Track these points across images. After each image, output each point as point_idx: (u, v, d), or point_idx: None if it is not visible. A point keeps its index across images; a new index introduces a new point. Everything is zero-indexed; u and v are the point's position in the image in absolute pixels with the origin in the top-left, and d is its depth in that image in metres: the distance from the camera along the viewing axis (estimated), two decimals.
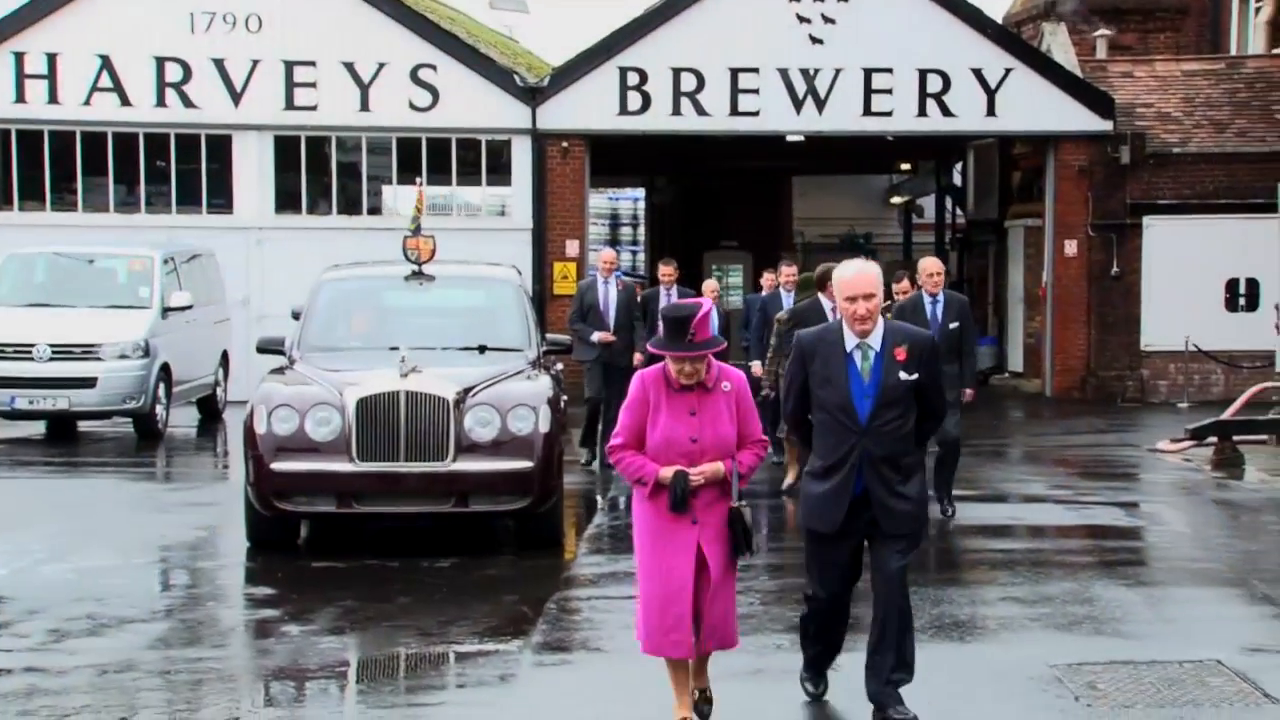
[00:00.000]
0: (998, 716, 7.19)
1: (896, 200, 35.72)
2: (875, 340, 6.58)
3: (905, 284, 13.59)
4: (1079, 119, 23.07)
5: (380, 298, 12.81)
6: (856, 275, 6.60)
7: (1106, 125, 23.07)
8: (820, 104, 22.79)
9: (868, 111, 22.95)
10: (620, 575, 10.48)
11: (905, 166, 32.77)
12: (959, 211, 30.75)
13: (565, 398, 12.33)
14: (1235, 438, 16.07)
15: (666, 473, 6.43)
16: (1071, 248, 23.15)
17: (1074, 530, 12.25)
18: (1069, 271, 23.31)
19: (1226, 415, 17.27)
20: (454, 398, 10.64)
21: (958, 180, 29.99)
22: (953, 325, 11.76)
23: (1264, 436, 16.94)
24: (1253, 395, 17.94)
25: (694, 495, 6.39)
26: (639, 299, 16.04)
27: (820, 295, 12.10)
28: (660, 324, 6.48)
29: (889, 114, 22.98)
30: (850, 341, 6.60)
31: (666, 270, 16.07)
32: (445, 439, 10.57)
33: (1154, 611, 9.24)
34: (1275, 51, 25.73)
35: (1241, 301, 22.27)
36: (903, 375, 6.55)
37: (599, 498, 13.91)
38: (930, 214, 33.23)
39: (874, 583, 6.71)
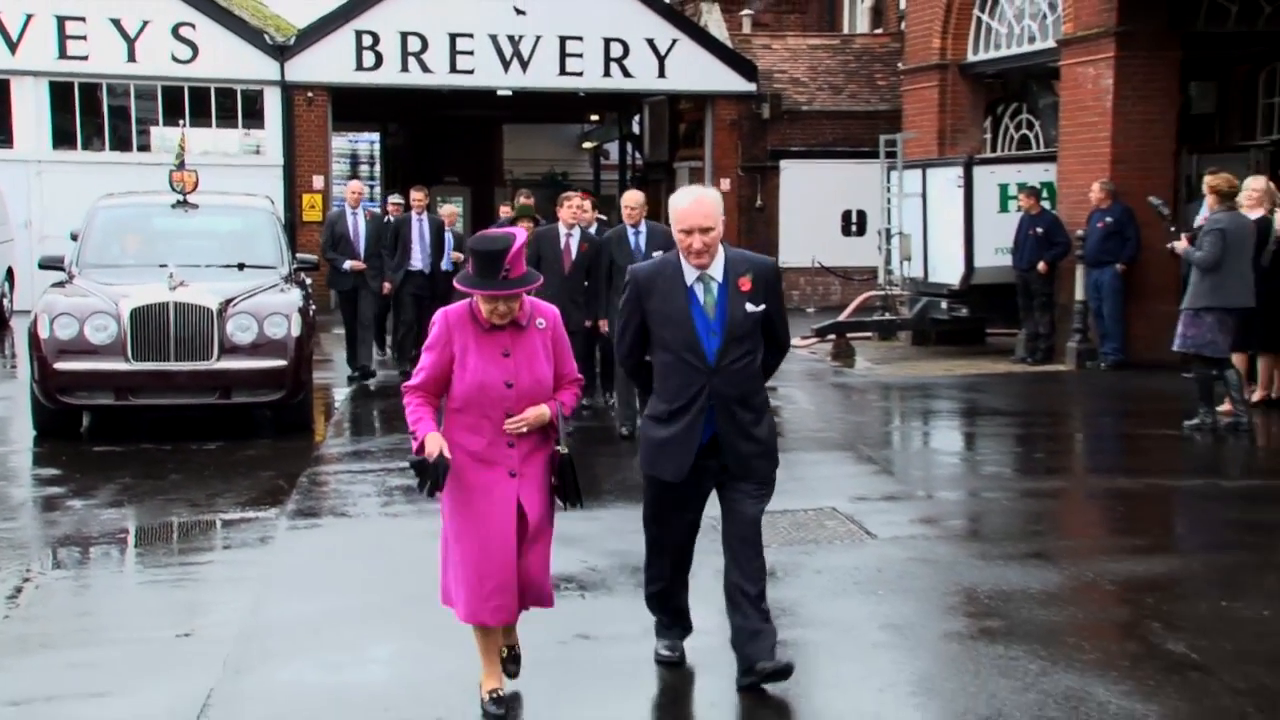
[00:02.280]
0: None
1: (587, 145, 35.90)
2: (717, 271, 5.05)
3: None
4: (731, 81, 23.49)
5: (150, 222, 12.28)
6: (692, 206, 5.02)
7: (751, 87, 23.58)
8: (524, 65, 22.68)
9: (563, 72, 22.92)
10: (361, 454, 10.37)
11: (594, 117, 32.87)
12: (638, 155, 31.02)
13: (314, 307, 12.09)
14: (848, 335, 16.73)
15: (432, 445, 4.75)
16: (726, 184, 23.60)
17: None
18: (724, 203, 23.58)
19: (842, 317, 17.93)
20: (217, 307, 10.45)
21: (636, 129, 30.22)
22: (656, 253, 10.74)
23: (869, 334, 17.72)
24: (861, 302, 18.72)
25: (512, 445, 4.83)
26: (387, 227, 14.36)
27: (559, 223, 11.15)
28: (469, 258, 4.81)
29: (580, 74, 23.02)
30: (690, 274, 5.04)
31: (418, 196, 14.30)
32: (210, 342, 10.36)
33: (786, 472, 9.46)
34: (877, 31, 26.77)
35: (854, 228, 23.13)
36: (749, 307, 5.04)
37: (342, 391, 13.64)
38: (615, 156, 33.60)
39: (727, 535, 5.16)
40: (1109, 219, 14.36)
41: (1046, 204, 15.52)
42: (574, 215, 11.14)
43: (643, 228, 10.61)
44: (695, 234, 4.99)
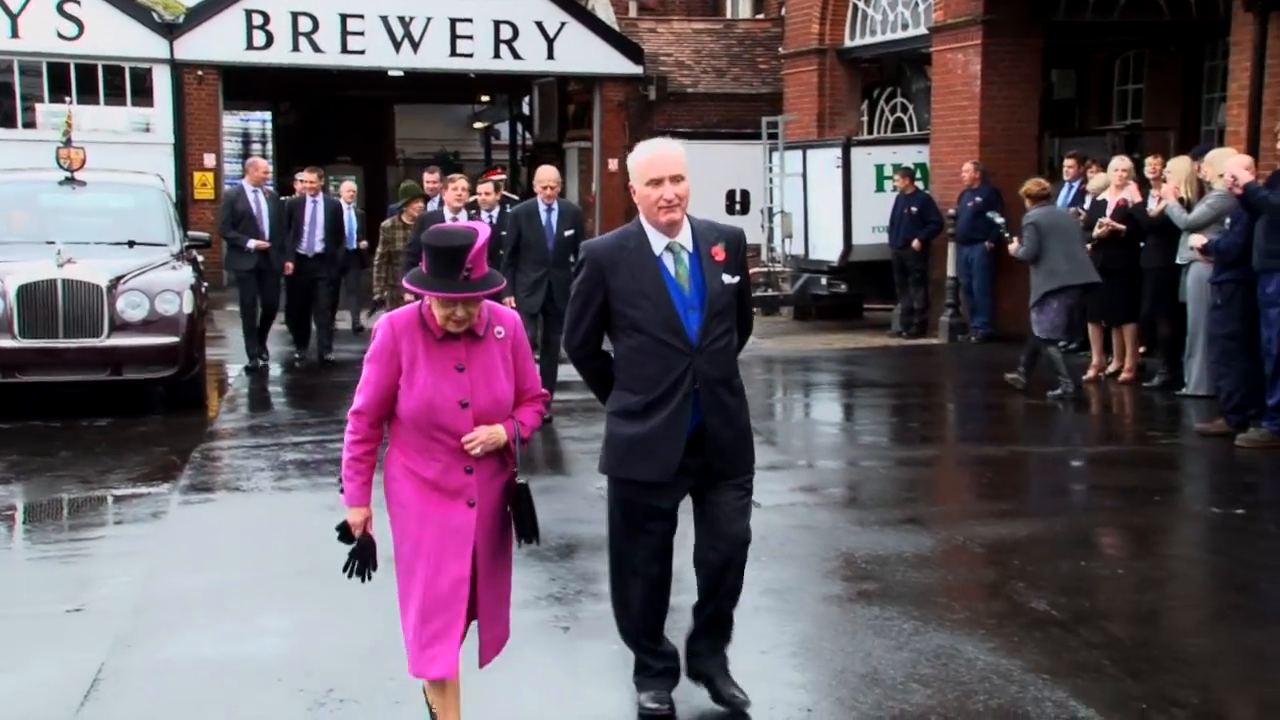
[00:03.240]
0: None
1: (479, 125, 35.52)
2: (686, 239, 4.32)
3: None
4: (618, 64, 23.43)
5: (37, 199, 11.86)
6: (658, 154, 4.28)
7: (638, 70, 23.53)
8: (415, 46, 22.36)
9: (454, 53, 22.66)
10: (256, 429, 10.17)
11: (485, 98, 32.54)
12: (528, 135, 30.81)
13: (206, 284, 11.84)
14: None
15: (354, 518, 4.09)
16: (614, 165, 23.57)
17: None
18: (612, 183, 23.74)
19: None
20: (107, 284, 10.16)
21: (526, 110, 30.01)
22: (568, 233, 9.88)
23: (753, 309, 17.80)
24: None
25: (470, 471, 4.03)
26: (285, 206, 13.48)
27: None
28: (424, 255, 3.96)
29: (470, 55, 22.78)
30: (658, 243, 4.29)
31: (310, 178, 13.66)
32: (100, 319, 10.08)
33: None
34: (759, 16, 26.88)
35: (738, 207, 23.19)
36: (726, 279, 4.31)
37: (235, 368, 13.36)
38: (506, 137, 33.32)
39: (705, 546, 4.42)
40: (978, 199, 14.63)
41: (920, 184, 15.77)
42: (460, 198, 10.55)
43: (555, 205, 10.12)
44: (666, 183, 4.21)
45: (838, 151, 16.40)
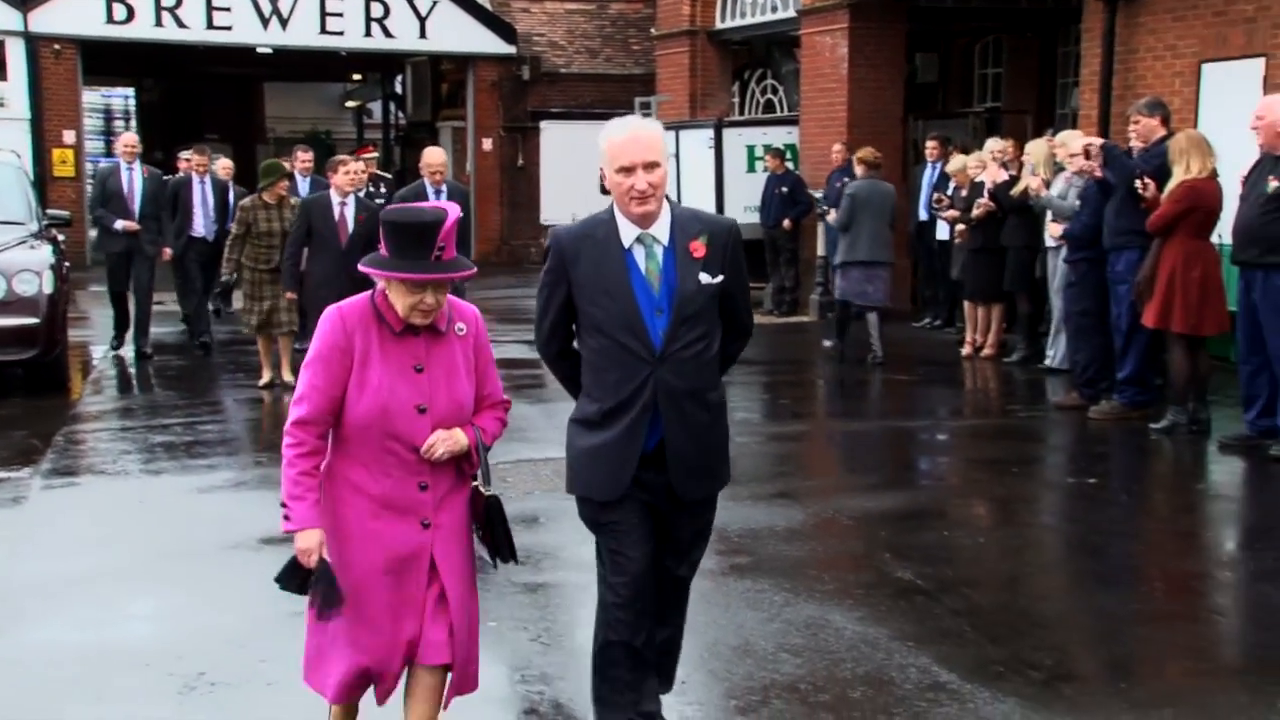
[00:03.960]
0: None
1: (351, 104, 34.95)
2: (662, 231, 3.74)
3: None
4: (491, 44, 23.22)
5: None
6: (629, 137, 3.69)
7: (511, 50, 23.36)
8: (284, 23, 21.86)
9: (324, 31, 22.20)
10: (121, 411, 9.89)
11: (357, 76, 32.05)
12: (401, 114, 30.40)
13: (68, 264, 11.42)
14: None
15: (306, 544, 3.46)
16: (488, 144, 23.41)
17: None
18: (486, 163, 23.58)
19: None
20: None
21: (399, 89, 29.61)
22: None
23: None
24: None
25: (424, 488, 3.53)
26: (167, 187, 12.70)
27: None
28: (385, 235, 3.47)
29: (341, 34, 22.35)
30: (628, 234, 3.72)
31: (199, 158, 12.86)
32: None
33: (549, 421, 9.59)
34: None
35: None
36: (704, 278, 3.74)
37: (100, 349, 12.95)
38: (378, 116, 32.81)
39: (665, 547, 3.95)
40: (847, 179, 14.79)
41: (790, 164, 15.94)
42: (352, 182, 9.69)
43: (444, 187, 9.74)
44: (638, 171, 3.64)
45: (710, 132, 16.51)
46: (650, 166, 3.66)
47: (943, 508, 7.23)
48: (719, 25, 18.61)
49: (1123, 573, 6.14)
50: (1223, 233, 8.48)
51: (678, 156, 17.09)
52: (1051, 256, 10.76)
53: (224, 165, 13.94)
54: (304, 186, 12.38)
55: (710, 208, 16.31)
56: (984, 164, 11.97)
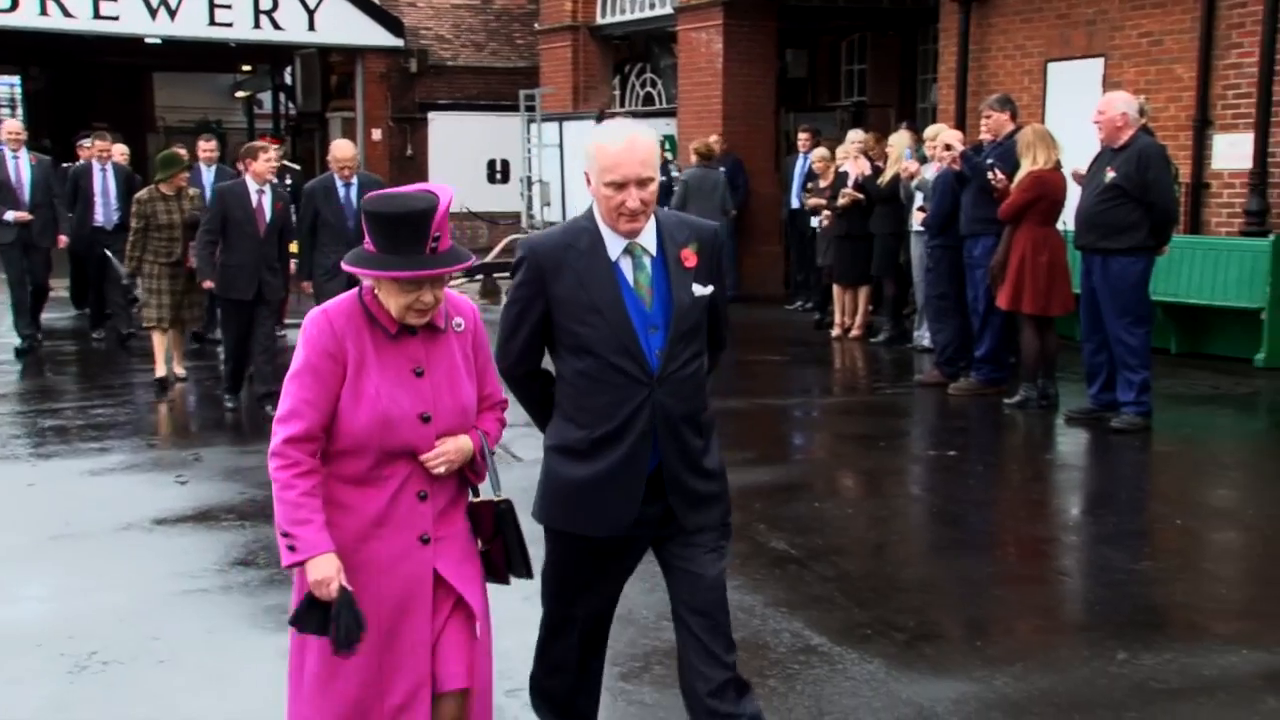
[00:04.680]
0: None
1: (241, 94, 34.09)
2: (649, 240, 3.28)
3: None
4: (379, 36, 22.82)
5: None
6: (625, 148, 3.19)
7: (399, 42, 23.00)
8: (172, 13, 21.17)
9: (213, 22, 21.56)
10: (12, 396, 9.52)
11: (247, 67, 31.27)
12: (291, 105, 29.77)
13: None
14: (495, 274, 16.79)
15: (323, 574, 2.89)
16: (377, 135, 23.02)
17: None
18: (376, 153, 23.18)
19: (489, 259, 17.96)
20: None
21: (289, 80, 28.97)
22: None
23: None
24: (505, 244, 18.74)
25: (424, 497, 3.03)
26: (66, 175, 12.05)
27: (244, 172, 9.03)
28: (370, 228, 2.96)
29: (230, 25, 21.70)
30: (615, 244, 3.26)
31: (103, 145, 11.99)
32: None
33: None
34: None
35: (499, 176, 23.09)
36: (697, 289, 3.29)
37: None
38: (268, 106, 32.12)
39: (681, 601, 3.34)
40: (722, 169, 14.90)
41: (669, 155, 15.97)
42: (271, 170, 9.07)
43: (354, 180, 9.10)
44: (631, 188, 3.17)
45: (592, 123, 16.46)
46: (644, 183, 3.19)
47: (813, 481, 7.33)
48: (600, 21, 18.56)
49: (979, 539, 6.29)
50: (1067, 220, 8.72)
51: (561, 147, 17.07)
52: (915, 242, 10.96)
53: (120, 151, 13.17)
54: (208, 176, 11.65)
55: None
56: (850, 155, 12.12)
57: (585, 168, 3.29)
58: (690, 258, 3.28)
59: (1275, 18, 10.17)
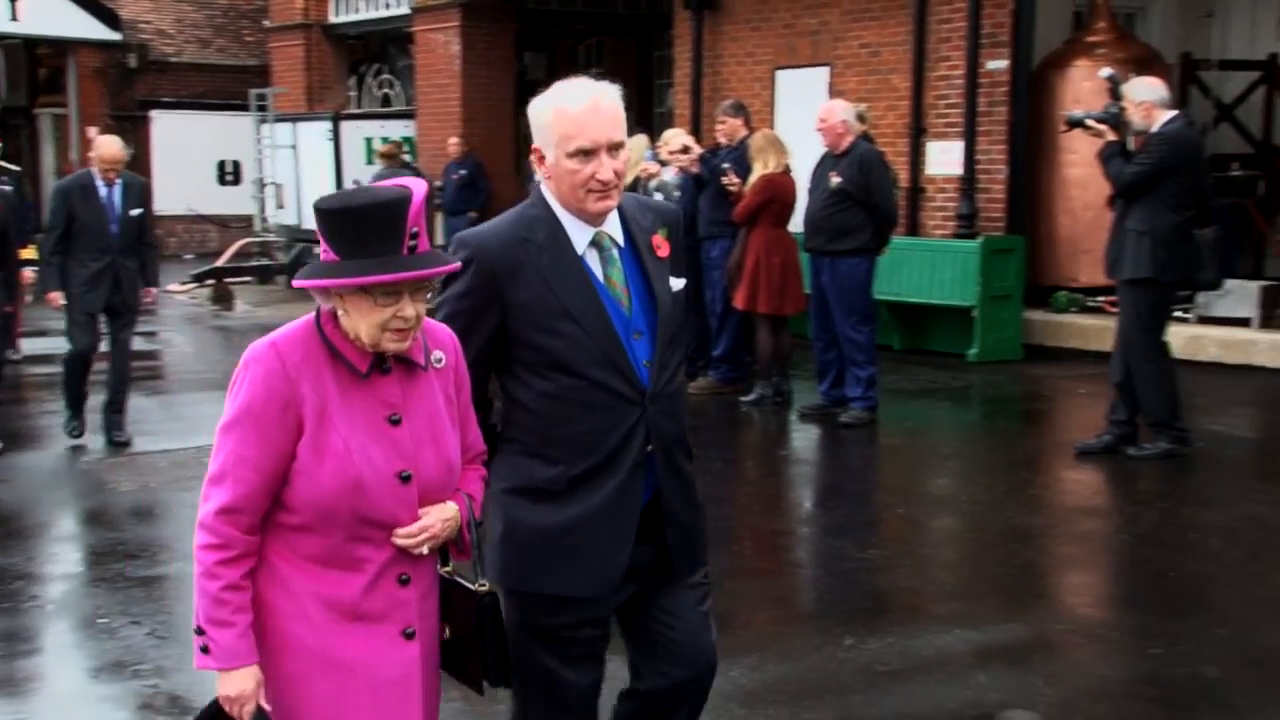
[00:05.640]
0: None
1: None
2: (614, 227, 2.74)
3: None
4: (92, 29, 21.61)
5: None
6: (592, 106, 2.65)
7: (115, 35, 21.85)
8: None
9: None
10: None
11: None
12: None
13: None
14: (226, 279, 16.23)
15: (239, 688, 2.34)
16: (92, 132, 21.77)
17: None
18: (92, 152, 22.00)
19: (219, 263, 17.35)
20: None
21: None
22: (134, 212, 7.97)
23: (248, 278, 17.26)
24: (238, 247, 18.14)
25: (406, 582, 2.43)
26: None
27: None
28: (333, 226, 2.39)
29: None
30: (580, 235, 2.70)
31: None
32: None
33: (166, 412, 9.14)
34: None
35: (229, 178, 22.27)
36: (675, 284, 2.79)
37: None
38: None
39: (654, 673, 2.85)
40: (463, 171, 14.90)
41: (409, 157, 15.81)
42: None
43: (118, 182, 7.99)
44: (601, 154, 2.62)
45: (328, 125, 16.15)
46: (615, 148, 2.64)
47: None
48: (332, 19, 18.19)
49: (718, 534, 6.44)
50: (799, 222, 9.11)
51: (296, 148, 16.65)
52: None
53: None
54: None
55: None
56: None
57: (537, 140, 2.70)
58: (662, 245, 2.78)
59: (977, 34, 10.92)
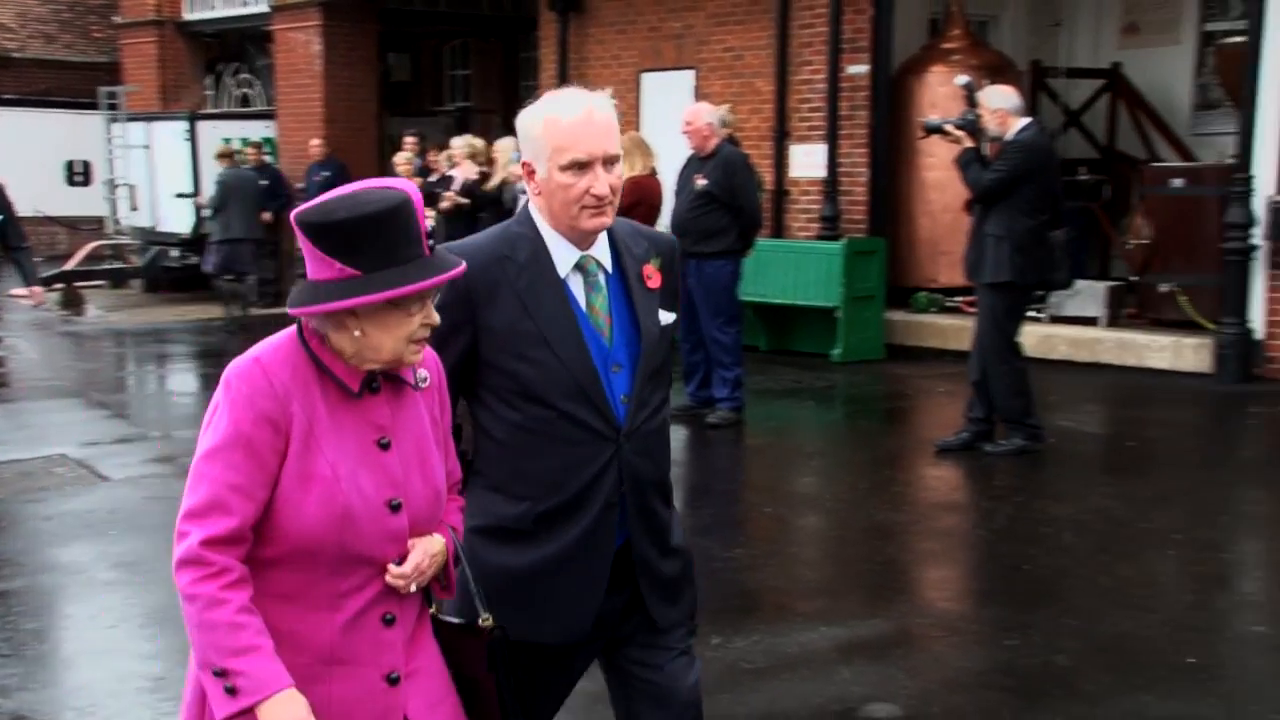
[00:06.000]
0: None
1: None
2: (602, 251, 2.58)
3: None
4: None
5: None
6: (586, 117, 2.48)
7: None
8: None
9: None
10: None
11: None
12: None
13: None
14: (77, 283, 15.70)
15: (291, 713, 2.05)
16: None
17: None
18: None
19: (69, 266, 16.76)
20: None
21: None
22: None
23: (100, 282, 16.74)
24: (89, 250, 17.53)
25: (391, 622, 2.21)
26: None
27: None
28: (346, 238, 2.08)
29: None
30: (564, 257, 2.54)
31: None
32: None
33: (10, 421, 8.82)
34: None
35: (79, 178, 21.51)
36: (664, 317, 2.61)
37: None
38: None
39: (637, 714, 2.67)
40: (326, 173, 14.61)
41: (269, 158, 15.51)
42: None
43: None
44: (597, 168, 2.47)
45: (184, 125, 15.74)
46: (611, 161, 2.48)
47: None
48: (187, 16, 17.74)
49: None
50: (665, 224, 9.18)
51: (150, 148, 16.20)
52: None
53: None
54: None
55: (187, 201, 15.54)
56: (458, 160, 12.18)
57: (526, 154, 2.54)
58: (654, 276, 2.61)
59: (838, 39, 11.15)
